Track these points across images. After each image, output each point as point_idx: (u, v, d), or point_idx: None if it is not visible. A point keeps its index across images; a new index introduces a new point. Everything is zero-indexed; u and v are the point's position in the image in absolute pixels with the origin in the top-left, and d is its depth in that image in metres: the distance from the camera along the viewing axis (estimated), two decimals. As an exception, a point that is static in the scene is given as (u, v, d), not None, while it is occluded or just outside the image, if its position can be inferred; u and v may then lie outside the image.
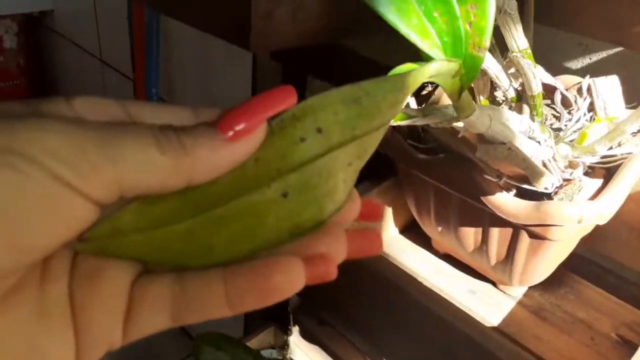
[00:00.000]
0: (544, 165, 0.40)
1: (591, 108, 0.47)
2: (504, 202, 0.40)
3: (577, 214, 0.38)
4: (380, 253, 0.20)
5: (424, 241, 0.56)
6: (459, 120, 0.32)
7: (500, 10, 0.36)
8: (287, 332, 0.69)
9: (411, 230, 0.57)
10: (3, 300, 0.15)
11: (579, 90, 0.48)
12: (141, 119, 0.17)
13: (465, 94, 0.28)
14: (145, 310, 0.17)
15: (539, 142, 0.41)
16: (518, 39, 0.38)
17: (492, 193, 0.40)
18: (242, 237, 0.17)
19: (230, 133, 0.16)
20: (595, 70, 0.57)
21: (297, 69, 0.72)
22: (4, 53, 1.38)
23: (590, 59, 0.58)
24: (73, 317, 0.16)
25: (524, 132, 0.40)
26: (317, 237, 0.18)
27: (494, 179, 0.40)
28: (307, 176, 0.17)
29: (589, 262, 0.56)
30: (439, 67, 0.20)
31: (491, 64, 0.40)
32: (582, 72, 0.58)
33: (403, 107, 0.19)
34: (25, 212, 0.13)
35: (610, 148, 0.43)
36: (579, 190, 0.41)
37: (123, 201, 0.16)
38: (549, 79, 0.48)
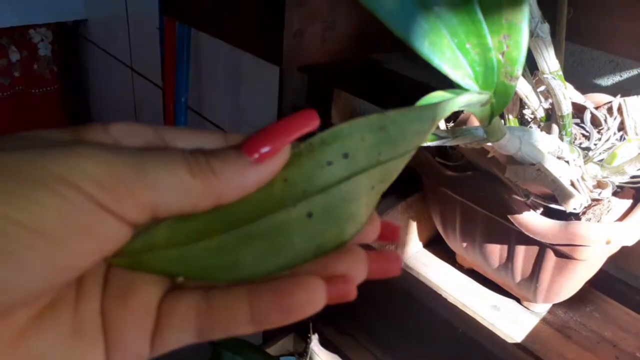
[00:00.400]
0: (572, 184, 0.40)
1: (621, 127, 0.47)
2: (532, 221, 0.40)
3: (605, 235, 0.38)
4: (399, 274, 0.20)
5: (448, 256, 0.56)
6: (489, 141, 0.33)
7: (532, 33, 0.37)
8: (306, 339, 0.69)
9: (435, 245, 0.58)
10: (39, 318, 0.16)
11: (609, 110, 0.48)
12: (174, 144, 0.18)
13: (496, 119, 0.28)
14: (172, 326, 0.17)
15: (567, 162, 0.41)
16: (549, 61, 0.39)
17: (520, 212, 0.41)
18: (267, 254, 0.17)
19: (256, 155, 0.16)
20: (626, 86, 0.56)
21: (323, 81, 0.74)
22: (39, 60, 1.43)
23: (621, 76, 0.57)
24: (104, 333, 0.17)
25: (552, 152, 0.41)
26: (338, 257, 0.18)
27: (521, 198, 0.41)
28: (331, 198, 0.18)
29: (615, 280, 0.55)
30: (468, 99, 0.21)
31: (521, 85, 0.41)
32: (612, 89, 0.57)
33: (429, 135, 0.20)
34: (65, 234, 0.14)
35: (640, 169, 0.42)
36: (608, 211, 0.41)
37: (155, 221, 0.16)
38: (579, 98, 0.48)
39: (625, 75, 0.57)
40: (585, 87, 0.51)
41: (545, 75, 0.40)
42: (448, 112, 0.20)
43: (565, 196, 0.36)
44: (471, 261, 0.53)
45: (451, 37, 0.24)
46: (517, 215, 0.40)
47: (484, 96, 0.23)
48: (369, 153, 0.18)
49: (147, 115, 1.31)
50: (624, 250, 0.45)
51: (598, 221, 0.40)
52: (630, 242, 0.40)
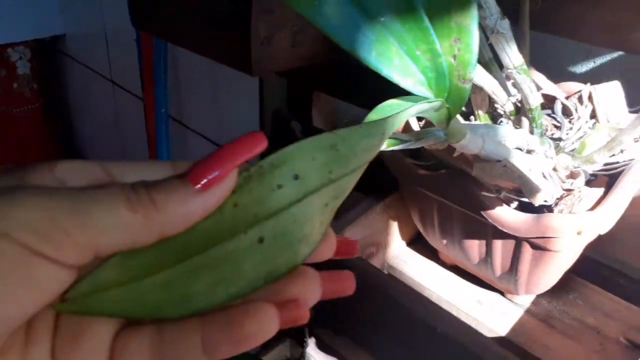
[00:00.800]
0: (544, 176, 0.41)
1: (594, 115, 0.47)
2: (504, 215, 0.40)
3: (576, 225, 0.39)
4: (352, 293, 0.20)
5: (431, 253, 0.56)
6: (450, 142, 0.33)
7: (492, 30, 0.37)
8: (303, 344, 0.69)
9: (418, 243, 0.58)
10: None
11: (580, 98, 0.49)
12: (122, 178, 0.18)
13: (454, 121, 0.29)
14: None
15: (538, 155, 0.41)
16: (512, 56, 0.39)
17: (492, 207, 0.41)
18: (218, 285, 0.17)
19: (201, 183, 0.16)
20: (598, 74, 0.57)
21: (302, 84, 0.74)
22: (18, 79, 1.41)
23: (594, 62, 0.58)
24: None
25: (521, 146, 0.41)
26: (291, 281, 0.18)
27: (492, 194, 0.41)
28: (283, 222, 0.17)
29: (597, 265, 0.55)
30: (418, 109, 0.21)
31: (487, 81, 0.41)
32: (585, 77, 0.58)
33: (380, 149, 0.20)
34: (1, 286, 0.14)
35: (613, 155, 0.43)
36: (579, 201, 0.42)
37: (100, 260, 0.16)
38: (550, 88, 0.48)
39: (599, 61, 0.58)
40: (559, 76, 0.51)
41: (509, 70, 0.40)
42: (397, 126, 0.21)
43: (532, 190, 0.36)
44: (452, 258, 0.53)
45: (399, 45, 0.24)
46: (490, 211, 0.41)
47: (436, 103, 0.23)
48: (320, 172, 0.18)
49: (129, 126, 1.31)
50: (603, 236, 0.45)
51: (570, 212, 0.41)
52: (603, 231, 0.40)
